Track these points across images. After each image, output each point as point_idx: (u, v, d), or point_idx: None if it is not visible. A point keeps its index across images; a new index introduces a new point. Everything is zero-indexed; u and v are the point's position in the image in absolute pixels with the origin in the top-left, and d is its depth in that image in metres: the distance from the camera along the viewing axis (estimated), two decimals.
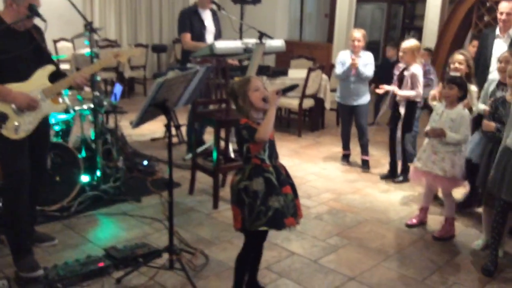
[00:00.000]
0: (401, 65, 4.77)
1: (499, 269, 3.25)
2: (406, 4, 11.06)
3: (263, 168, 2.54)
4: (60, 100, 3.43)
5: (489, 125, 3.42)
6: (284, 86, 2.64)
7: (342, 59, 5.22)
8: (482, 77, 4.23)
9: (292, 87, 2.63)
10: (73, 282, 2.87)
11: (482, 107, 3.78)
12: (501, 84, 3.71)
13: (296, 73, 6.88)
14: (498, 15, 4.52)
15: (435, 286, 3.07)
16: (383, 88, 4.83)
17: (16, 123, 2.86)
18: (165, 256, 3.12)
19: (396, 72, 4.81)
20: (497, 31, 4.55)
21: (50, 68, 3.01)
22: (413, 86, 4.61)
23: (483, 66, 4.49)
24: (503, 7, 4.47)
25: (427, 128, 3.75)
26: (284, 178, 2.61)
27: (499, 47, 4.43)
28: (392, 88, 4.71)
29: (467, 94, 3.70)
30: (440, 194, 4.26)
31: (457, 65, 4.03)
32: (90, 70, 3.21)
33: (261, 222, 2.49)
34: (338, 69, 5.24)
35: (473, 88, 3.98)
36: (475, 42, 5.37)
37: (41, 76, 2.97)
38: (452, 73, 3.88)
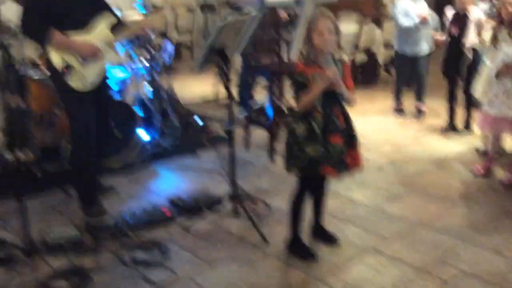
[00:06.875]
0: (451, 9, 4.54)
1: None
2: None
3: (311, 114, 2.45)
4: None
5: None
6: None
7: (404, 9, 5.00)
8: None
9: None
10: (142, 229, 2.94)
11: None
12: None
13: (347, 27, 6.64)
14: None
15: (506, 231, 2.95)
16: (440, 38, 4.65)
17: (83, 75, 2.89)
18: (227, 205, 3.16)
19: (449, 16, 4.56)
20: None
21: (112, 19, 3.02)
22: (479, 31, 4.37)
23: None
24: None
25: (494, 70, 3.53)
26: (335, 128, 2.47)
27: None
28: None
29: None
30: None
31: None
32: (148, 22, 3.19)
33: (296, 165, 2.50)
34: (405, 21, 4.99)
35: None
36: None
37: (103, 27, 2.98)
38: None
